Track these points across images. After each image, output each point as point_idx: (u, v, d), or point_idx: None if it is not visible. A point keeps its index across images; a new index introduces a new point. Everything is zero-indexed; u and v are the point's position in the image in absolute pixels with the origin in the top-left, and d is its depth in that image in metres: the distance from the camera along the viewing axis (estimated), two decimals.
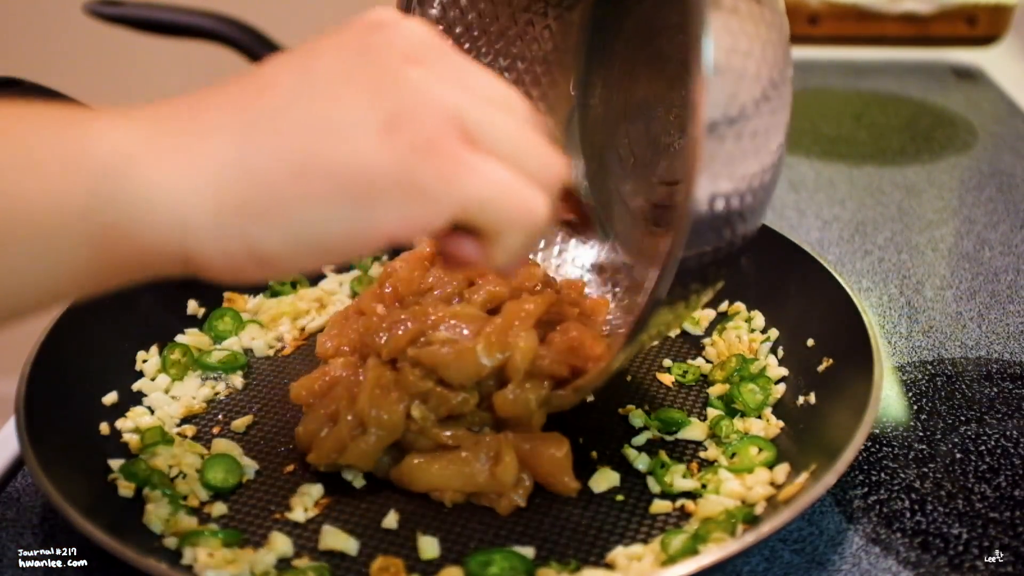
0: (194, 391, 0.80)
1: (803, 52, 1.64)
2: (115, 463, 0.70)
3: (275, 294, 0.91)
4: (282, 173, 0.46)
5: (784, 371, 0.79)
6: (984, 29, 1.58)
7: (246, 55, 1.42)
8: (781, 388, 0.77)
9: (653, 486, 0.70)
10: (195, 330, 0.86)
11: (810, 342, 0.79)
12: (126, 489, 0.68)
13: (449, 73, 0.49)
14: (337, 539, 0.64)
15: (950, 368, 0.84)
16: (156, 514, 0.66)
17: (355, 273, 0.94)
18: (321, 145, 0.46)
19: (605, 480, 0.70)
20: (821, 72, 1.60)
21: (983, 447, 0.74)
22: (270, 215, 0.46)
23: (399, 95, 0.47)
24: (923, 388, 0.82)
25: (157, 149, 0.46)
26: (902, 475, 0.72)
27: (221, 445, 0.73)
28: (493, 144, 0.49)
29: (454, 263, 0.52)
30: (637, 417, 0.75)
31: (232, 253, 0.47)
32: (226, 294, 0.89)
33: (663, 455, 0.72)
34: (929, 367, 0.85)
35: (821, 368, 0.76)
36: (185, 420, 0.77)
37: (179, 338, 0.84)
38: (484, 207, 0.48)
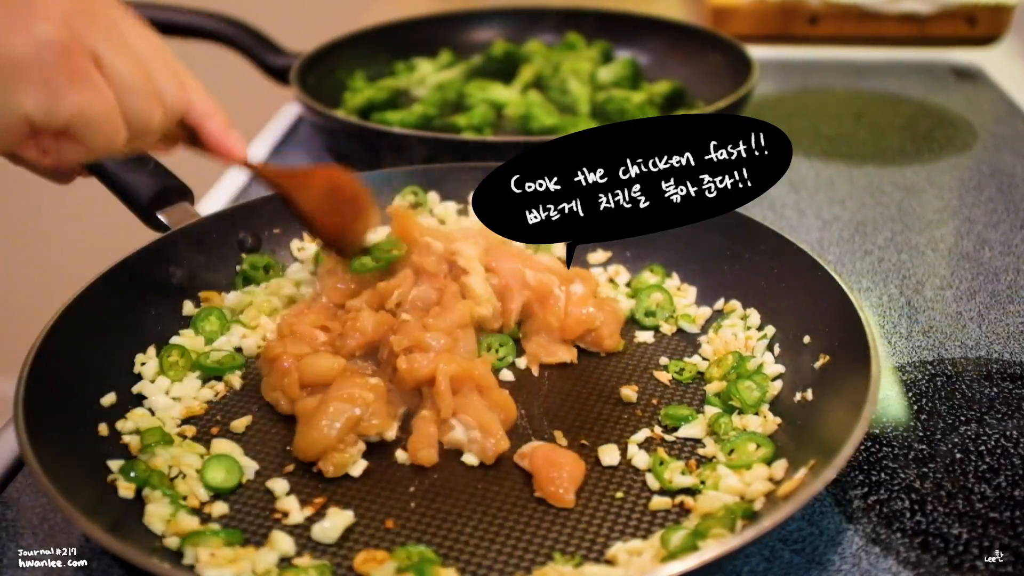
0: (194, 392, 0.80)
1: (803, 52, 1.64)
2: (114, 464, 0.70)
3: (247, 280, 0.92)
4: None
5: (781, 368, 0.79)
6: (984, 29, 1.58)
7: (246, 55, 1.42)
8: (778, 385, 0.77)
9: (652, 483, 0.70)
10: (190, 331, 0.86)
11: (807, 339, 0.79)
12: (126, 490, 0.68)
13: (94, 22, 0.62)
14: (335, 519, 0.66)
15: (950, 368, 0.84)
16: (157, 514, 0.66)
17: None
18: None
19: (608, 455, 0.72)
20: (821, 72, 1.60)
21: (983, 447, 0.74)
22: None
23: (46, 15, 0.59)
24: (923, 388, 0.82)
25: None
26: (902, 475, 0.72)
27: (221, 445, 0.73)
28: (115, 76, 0.62)
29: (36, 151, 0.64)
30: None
31: None
32: (202, 293, 0.89)
33: (661, 452, 0.72)
34: (929, 367, 0.85)
35: (818, 365, 0.76)
36: (185, 421, 0.77)
37: (175, 339, 0.84)
38: (80, 119, 0.61)
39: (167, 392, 0.79)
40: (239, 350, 0.85)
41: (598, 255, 0.96)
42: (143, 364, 0.81)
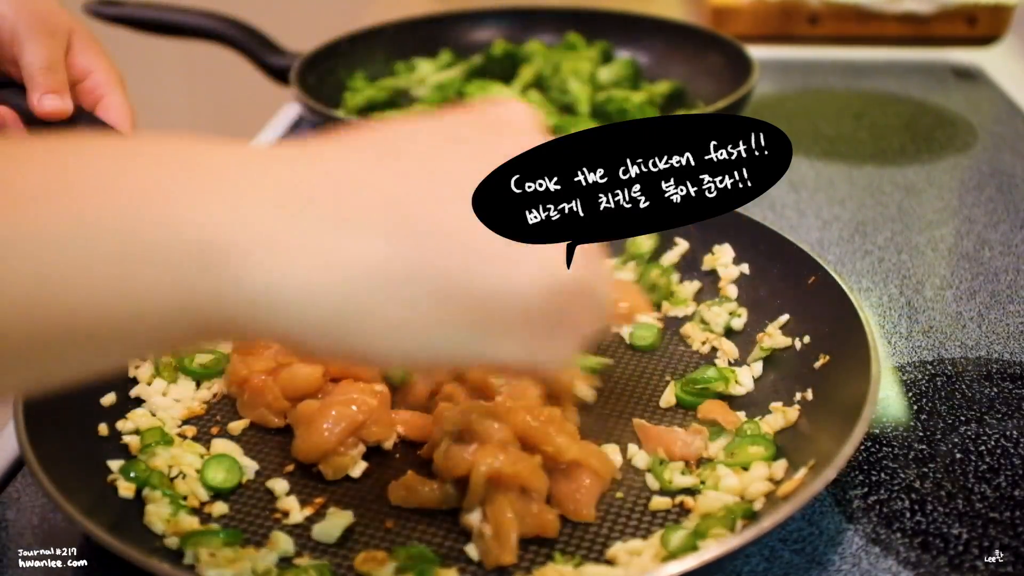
0: (193, 392, 0.80)
1: (803, 52, 1.64)
2: (114, 464, 0.70)
3: None
4: (424, 294, 0.42)
5: (777, 369, 0.80)
6: (984, 29, 1.58)
7: (246, 55, 1.42)
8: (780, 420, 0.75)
9: (652, 483, 0.70)
10: None
11: (806, 339, 0.79)
12: (126, 490, 0.68)
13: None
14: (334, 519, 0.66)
15: (950, 368, 0.84)
16: (157, 514, 0.66)
17: None
18: (472, 270, 0.43)
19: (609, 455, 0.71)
20: (821, 72, 1.60)
21: (983, 447, 0.74)
22: (394, 331, 0.42)
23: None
24: (923, 388, 0.82)
25: (279, 239, 0.40)
26: (902, 475, 0.72)
27: (221, 446, 0.73)
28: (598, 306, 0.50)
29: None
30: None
31: (334, 350, 0.43)
32: None
33: (661, 451, 0.72)
34: (929, 367, 0.85)
35: (818, 365, 0.76)
36: (186, 421, 0.77)
37: None
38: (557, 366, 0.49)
39: (164, 394, 0.79)
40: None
41: None
42: (137, 368, 0.80)
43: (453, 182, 0.44)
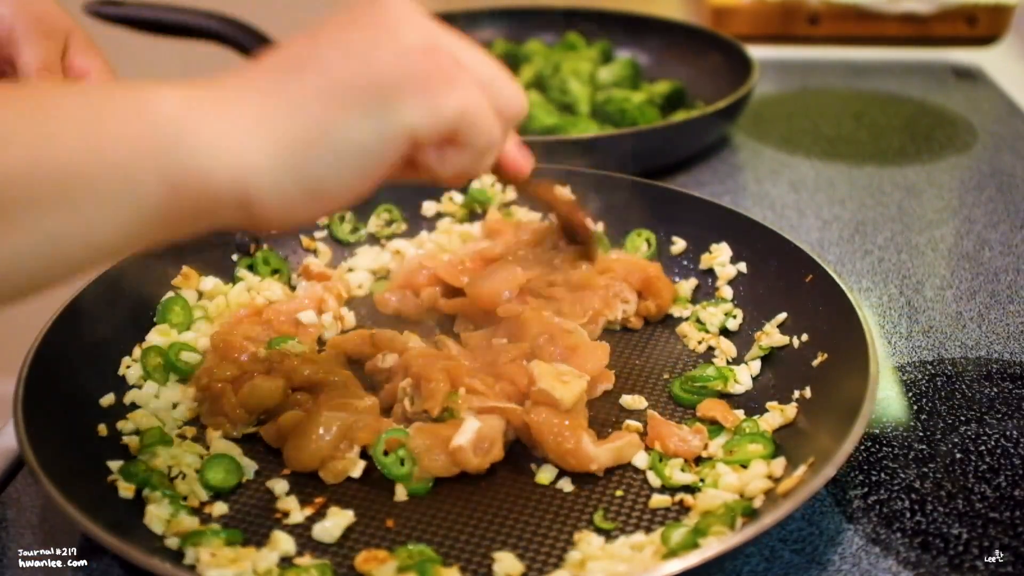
0: (182, 394, 0.78)
1: (803, 52, 1.64)
2: (114, 464, 0.70)
3: (249, 270, 0.92)
4: (315, 101, 0.53)
5: (775, 370, 0.80)
6: (984, 29, 1.58)
7: (246, 55, 1.42)
8: (778, 419, 0.75)
9: (653, 481, 0.70)
10: (164, 325, 0.83)
11: (805, 337, 0.79)
12: (126, 490, 0.68)
13: (438, 30, 0.59)
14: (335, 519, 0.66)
15: (950, 368, 0.84)
16: (157, 515, 0.66)
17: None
18: (342, 69, 0.54)
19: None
20: (821, 72, 1.60)
21: (983, 447, 0.74)
22: (314, 141, 0.53)
23: (399, 30, 0.56)
24: (923, 388, 0.82)
25: (209, 105, 0.52)
26: (902, 475, 0.72)
27: (221, 446, 0.73)
28: (474, 71, 0.59)
29: (412, 172, 0.61)
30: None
31: (286, 189, 0.53)
32: (183, 271, 0.87)
33: (658, 446, 0.72)
34: (929, 367, 0.85)
35: (816, 363, 0.76)
36: (187, 423, 0.77)
37: (151, 338, 0.82)
38: (464, 117, 0.57)
39: (157, 396, 0.78)
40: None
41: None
42: (128, 368, 0.79)
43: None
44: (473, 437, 0.69)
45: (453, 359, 0.76)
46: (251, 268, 0.92)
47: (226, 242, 0.92)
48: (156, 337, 0.82)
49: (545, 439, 0.70)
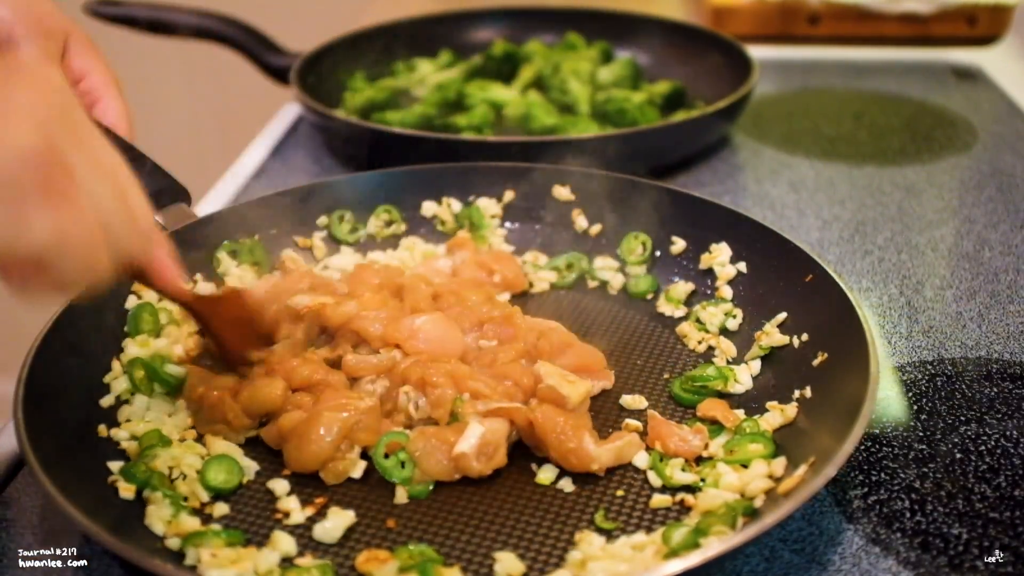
0: (173, 407, 0.77)
1: (803, 52, 1.64)
2: (114, 465, 0.70)
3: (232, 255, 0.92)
4: None
5: (774, 369, 0.80)
6: (984, 29, 1.58)
7: (246, 55, 1.42)
8: (778, 418, 0.75)
9: (653, 481, 0.70)
10: (142, 336, 0.82)
11: (805, 337, 0.79)
12: (126, 491, 0.67)
13: (69, 123, 0.51)
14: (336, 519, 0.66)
15: (950, 368, 0.84)
16: (158, 515, 0.66)
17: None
18: None
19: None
20: (821, 72, 1.60)
21: (983, 447, 0.74)
22: None
23: (15, 115, 0.48)
24: (923, 388, 0.82)
25: None
26: (902, 475, 0.72)
27: (221, 446, 0.73)
28: (92, 194, 0.51)
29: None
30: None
31: None
32: (135, 286, 0.84)
33: (659, 446, 0.72)
34: (929, 367, 0.85)
35: (816, 363, 0.76)
36: (189, 428, 0.77)
37: (130, 351, 0.80)
38: (55, 247, 0.50)
39: (148, 408, 0.76)
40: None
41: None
42: (115, 379, 0.78)
43: None
44: (477, 443, 0.69)
45: (454, 363, 0.76)
46: (234, 254, 0.92)
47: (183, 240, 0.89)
48: (135, 349, 0.80)
49: (548, 437, 0.70)
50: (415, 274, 0.89)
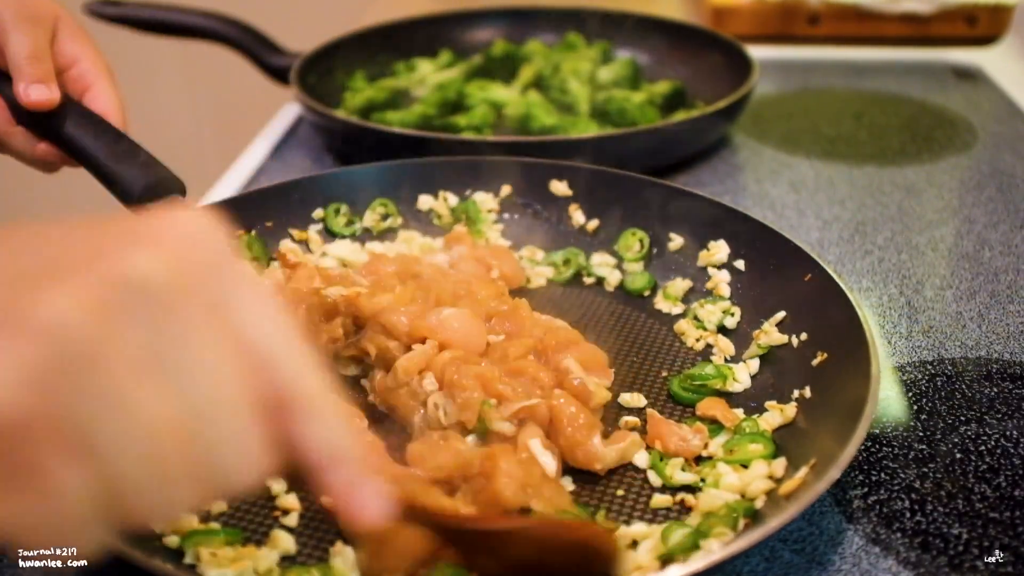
0: None
1: (803, 52, 1.64)
2: None
3: None
4: None
5: (774, 369, 0.79)
6: (984, 29, 1.58)
7: (246, 55, 1.42)
8: (777, 418, 0.75)
9: (654, 481, 0.70)
10: None
11: (804, 336, 0.79)
12: None
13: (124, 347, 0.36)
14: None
15: (950, 368, 0.84)
16: None
17: None
18: None
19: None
20: (821, 72, 1.60)
21: (983, 447, 0.74)
22: None
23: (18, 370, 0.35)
24: (923, 388, 0.82)
25: None
26: (902, 475, 0.72)
27: None
28: (101, 462, 0.37)
29: None
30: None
31: None
32: None
33: (659, 445, 0.72)
34: (929, 367, 0.85)
35: (816, 363, 0.76)
36: None
37: None
38: (20, 534, 0.39)
39: None
40: None
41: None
42: None
43: None
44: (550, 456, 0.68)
45: (484, 364, 0.74)
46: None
47: None
48: None
49: (561, 427, 0.70)
50: (432, 265, 0.89)
